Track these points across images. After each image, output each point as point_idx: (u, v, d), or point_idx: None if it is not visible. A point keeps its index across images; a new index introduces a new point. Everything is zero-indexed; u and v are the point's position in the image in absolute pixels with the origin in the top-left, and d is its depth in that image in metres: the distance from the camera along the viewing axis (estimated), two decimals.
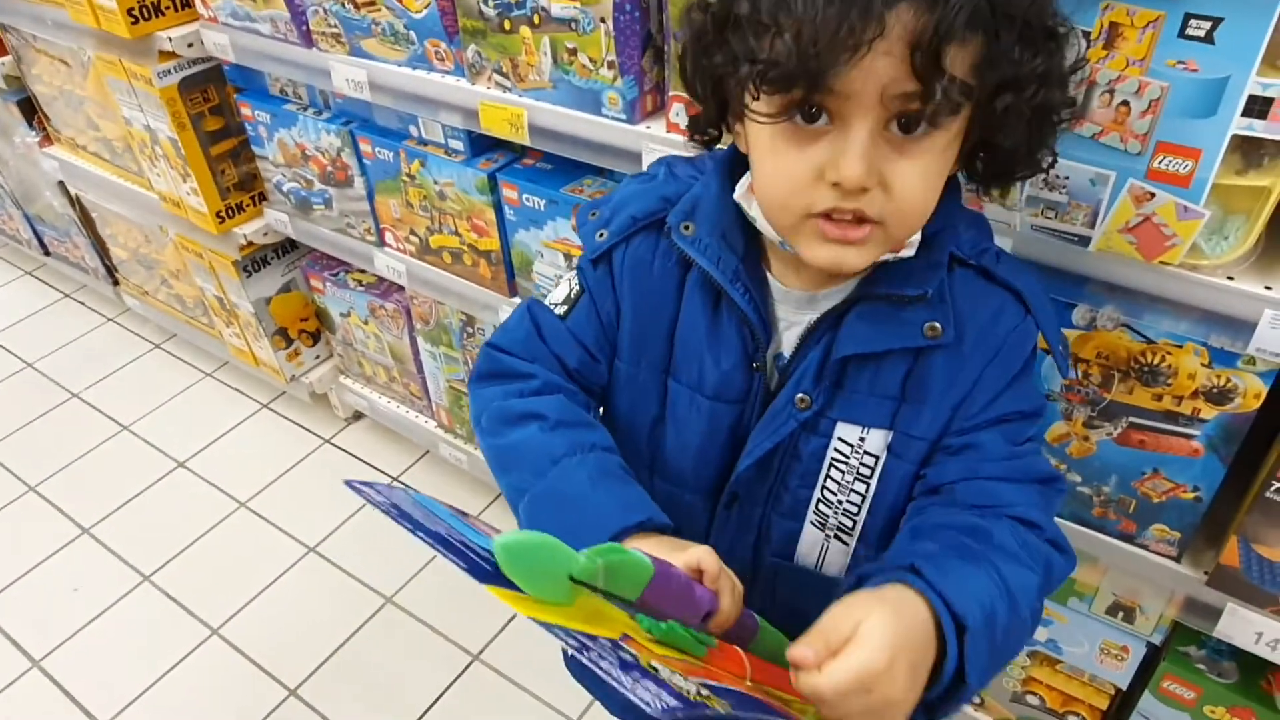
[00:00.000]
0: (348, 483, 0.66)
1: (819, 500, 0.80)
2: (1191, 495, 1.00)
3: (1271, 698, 1.09)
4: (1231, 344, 0.87)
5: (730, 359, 0.77)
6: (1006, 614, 0.62)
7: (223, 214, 1.88)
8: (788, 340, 0.76)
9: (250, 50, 1.57)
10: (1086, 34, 0.79)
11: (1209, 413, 0.94)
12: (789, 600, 0.84)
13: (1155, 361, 0.93)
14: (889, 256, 0.71)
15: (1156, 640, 1.16)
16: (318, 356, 2.23)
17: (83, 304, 2.80)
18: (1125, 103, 0.81)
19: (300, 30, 1.47)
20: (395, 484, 0.75)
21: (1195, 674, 1.13)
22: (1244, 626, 1.02)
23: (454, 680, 1.70)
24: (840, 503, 0.79)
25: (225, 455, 2.24)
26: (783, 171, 0.65)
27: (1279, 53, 0.74)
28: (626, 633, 0.59)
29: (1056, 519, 0.74)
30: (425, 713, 1.65)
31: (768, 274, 0.77)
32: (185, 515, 2.07)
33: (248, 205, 1.92)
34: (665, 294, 0.79)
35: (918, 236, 0.71)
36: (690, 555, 0.67)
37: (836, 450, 0.77)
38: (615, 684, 0.51)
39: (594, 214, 0.83)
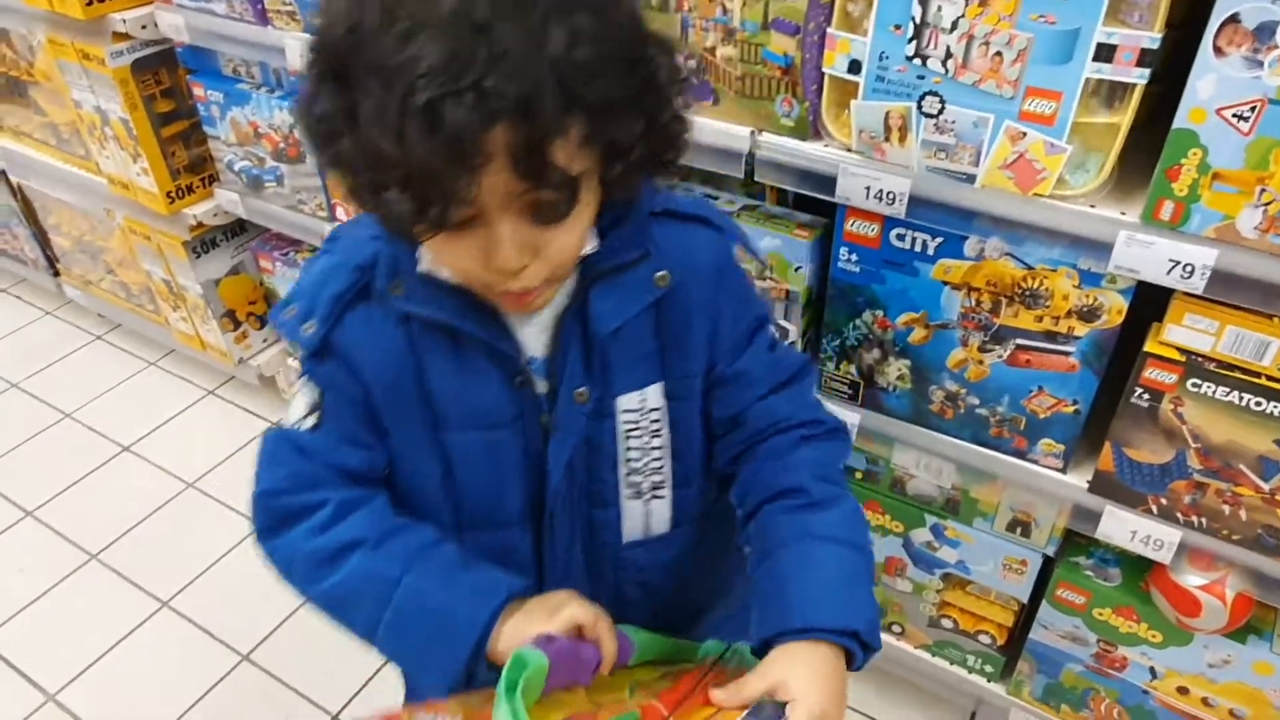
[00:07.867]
0: None
1: (628, 474, 0.83)
2: (1071, 409, 1.14)
3: (1149, 594, 1.23)
4: (1096, 265, 1.01)
5: (491, 386, 0.77)
6: (866, 567, 0.77)
7: (173, 194, 1.93)
8: (531, 340, 0.77)
9: (205, 30, 1.63)
10: None
11: (1081, 330, 1.07)
12: (636, 578, 0.89)
13: (1035, 286, 1.07)
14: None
15: (1050, 552, 1.30)
16: (265, 340, 2.27)
17: (19, 298, 2.78)
18: (999, 53, 0.94)
19: (256, 9, 1.54)
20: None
21: (1085, 580, 1.27)
22: (1120, 526, 1.16)
23: None
24: (646, 465, 0.83)
25: (172, 439, 2.25)
26: (454, 264, 0.69)
27: (1120, 7, 0.88)
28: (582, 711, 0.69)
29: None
30: (377, 672, 1.70)
31: None
32: (132, 496, 2.08)
33: (198, 187, 1.96)
34: (399, 355, 0.76)
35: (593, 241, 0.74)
36: (564, 616, 0.71)
37: (625, 422, 0.81)
38: None
39: (290, 311, 0.78)
